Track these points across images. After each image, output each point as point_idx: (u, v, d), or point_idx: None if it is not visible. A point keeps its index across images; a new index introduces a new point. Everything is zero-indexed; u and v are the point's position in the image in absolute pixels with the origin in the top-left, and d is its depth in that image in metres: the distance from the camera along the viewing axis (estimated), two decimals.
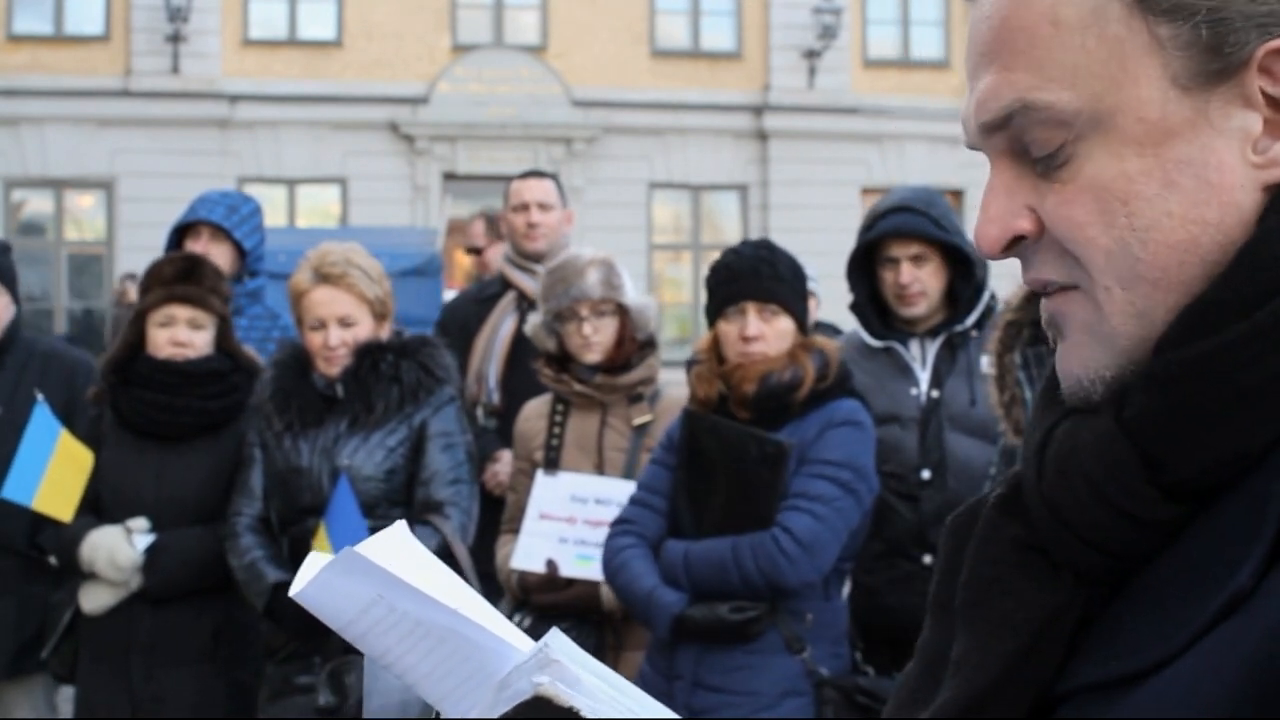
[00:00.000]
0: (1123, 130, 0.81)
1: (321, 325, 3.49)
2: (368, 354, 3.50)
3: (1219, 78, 0.79)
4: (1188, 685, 0.72)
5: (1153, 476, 0.79)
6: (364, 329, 3.51)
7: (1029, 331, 3.02)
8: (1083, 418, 0.84)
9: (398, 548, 1.01)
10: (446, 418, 3.54)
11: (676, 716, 0.92)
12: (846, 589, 3.72)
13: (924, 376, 3.63)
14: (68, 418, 3.74)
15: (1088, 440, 0.83)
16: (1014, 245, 0.87)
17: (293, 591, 0.97)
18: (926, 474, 3.53)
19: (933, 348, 3.65)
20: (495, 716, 0.86)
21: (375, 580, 0.93)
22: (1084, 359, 0.85)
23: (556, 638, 0.88)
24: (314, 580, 0.95)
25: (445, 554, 3.38)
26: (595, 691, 0.86)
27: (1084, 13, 0.81)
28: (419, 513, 3.46)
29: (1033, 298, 2.95)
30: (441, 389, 3.56)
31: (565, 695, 0.84)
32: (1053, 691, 0.82)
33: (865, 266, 3.71)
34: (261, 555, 3.45)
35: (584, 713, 0.84)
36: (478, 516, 3.63)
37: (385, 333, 3.58)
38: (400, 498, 3.48)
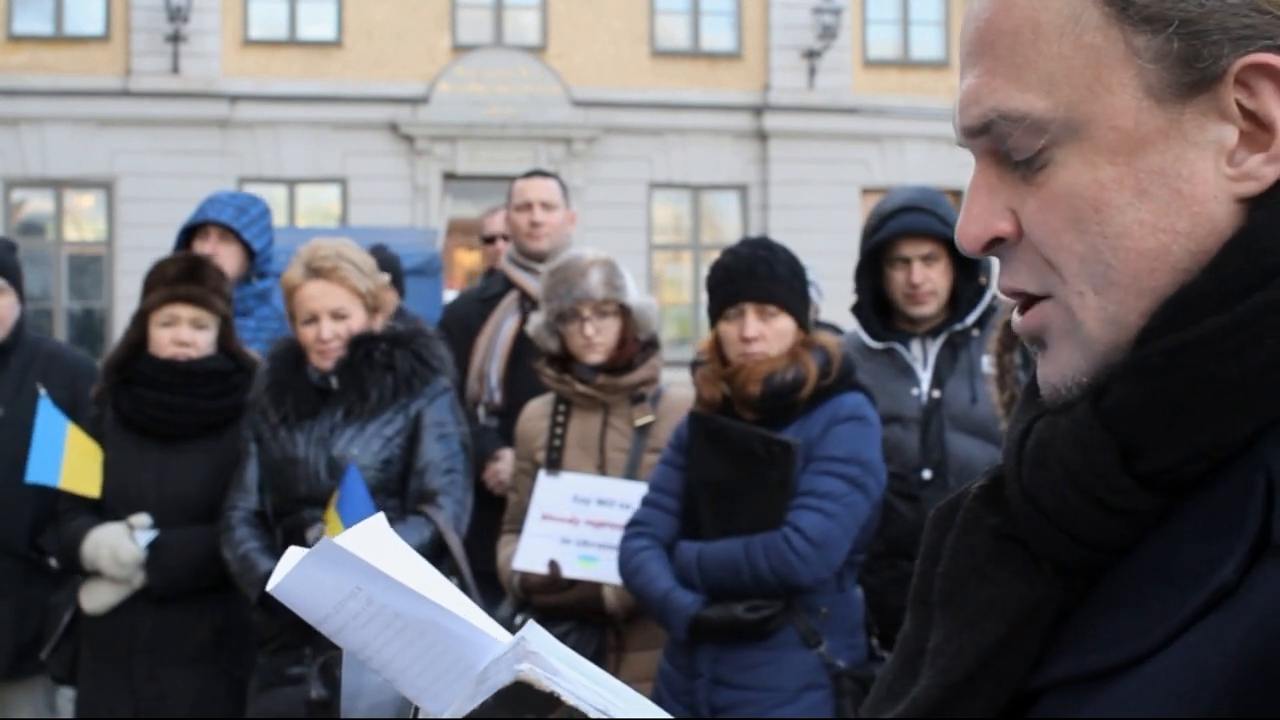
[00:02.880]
0: (1096, 139, 0.82)
1: (314, 319, 3.50)
2: (361, 344, 3.51)
3: (1193, 90, 0.80)
4: (1169, 680, 0.72)
5: (1129, 465, 0.80)
6: (356, 321, 3.52)
7: None
8: (1062, 410, 0.85)
9: (376, 541, 1.00)
10: (441, 408, 3.55)
11: (650, 704, 0.93)
12: None
13: (925, 377, 3.63)
14: (70, 419, 3.74)
15: (1066, 429, 0.83)
16: (994, 245, 0.88)
17: (270, 586, 0.96)
18: (927, 474, 3.53)
19: (934, 348, 3.65)
20: (475, 707, 0.87)
21: (354, 571, 0.93)
22: (1062, 367, 0.86)
23: (533, 630, 0.89)
24: (291, 573, 0.94)
25: (439, 543, 3.40)
26: (574, 679, 0.87)
27: (1062, 20, 0.82)
28: (413, 502, 3.48)
29: None
30: (436, 379, 3.57)
31: (546, 680, 0.85)
32: (1030, 685, 0.82)
33: (869, 268, 3.71)
34: (256, 546, 3.45)
35: (564, 697, 0.85)
36: (472, 507, 3.63)
37: (378, 325, 3.59)
38: (396, 488, 3.50)
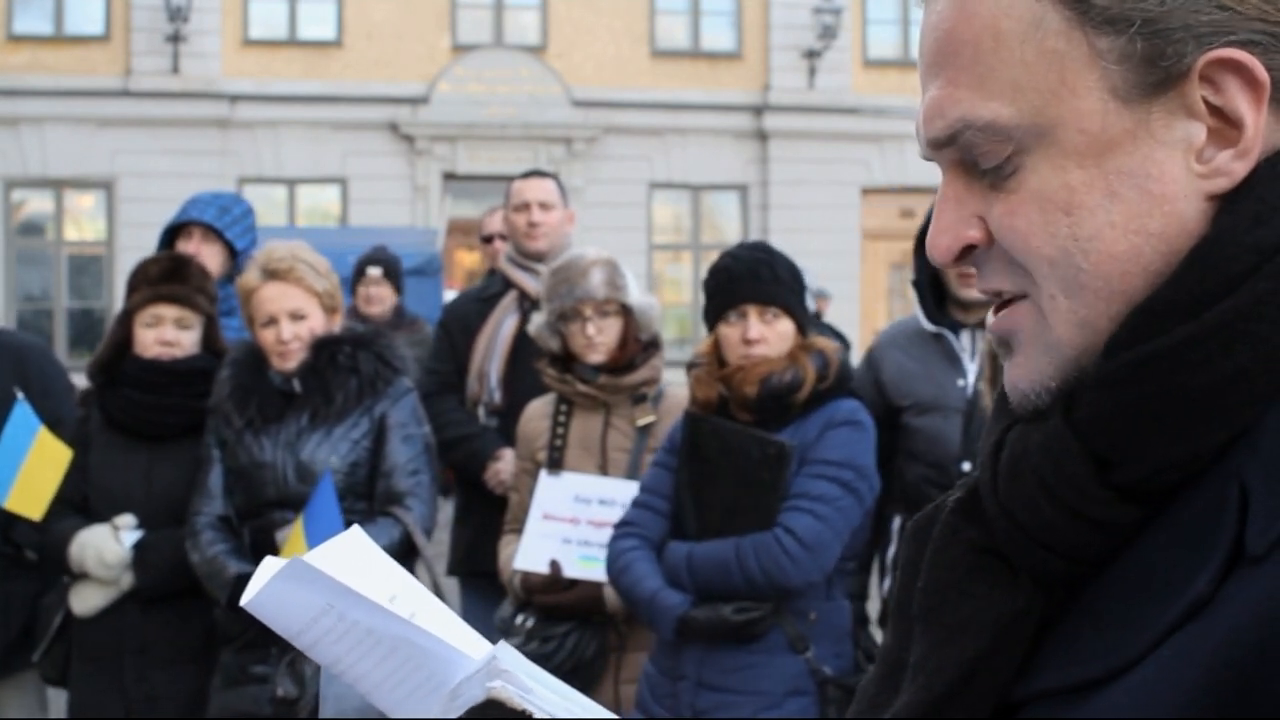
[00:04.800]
0: (1064, 143, 0.81)
1: (273, 321, 3.49)
2: (324, 346, 3.51)
3: (1159, 89, 0.80)
4: (1148, 692, 0.72)
5: (1103, 477, 0.79)
6: (316, 322, 3.53)
7: None
8: (1034, 422, 0.85)
9: (350, 554, 1.01)
10: (404, 409, 3.56)
11: None
12: (882, 583, 3.71)
13: (972, 368, 3.60)
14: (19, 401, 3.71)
15: (1038, 442, 0.83)
16: (966, 254, 0.88)
17: (244, 600, 0.97)
18: (967, 466, 3.51)
19: (983, 339, 3.63)
20: None
21: (325, 590, 0.94)
22: (1030, 372, 0.85)
23: (505, 650, 0.89)
24: (264, 590, 0.95)
25: (408, 544, 3.41)
26: (545, 698, 0.88)
27: (1024, 26, 0.82)
28: (381, 504, 3.49)
29: None
30: (399, 380, 3.58)
31: (518, 698, 0.86)
32: (1012, 696, 0.82)
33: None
34: (223, 549, 3.45)
35: (536, 715, 0.86)
36: (437, 509, 3.65)
37: (336, 326, 3.59)
38: (363, 490, 3.50)
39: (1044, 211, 0.82)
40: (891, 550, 3.73)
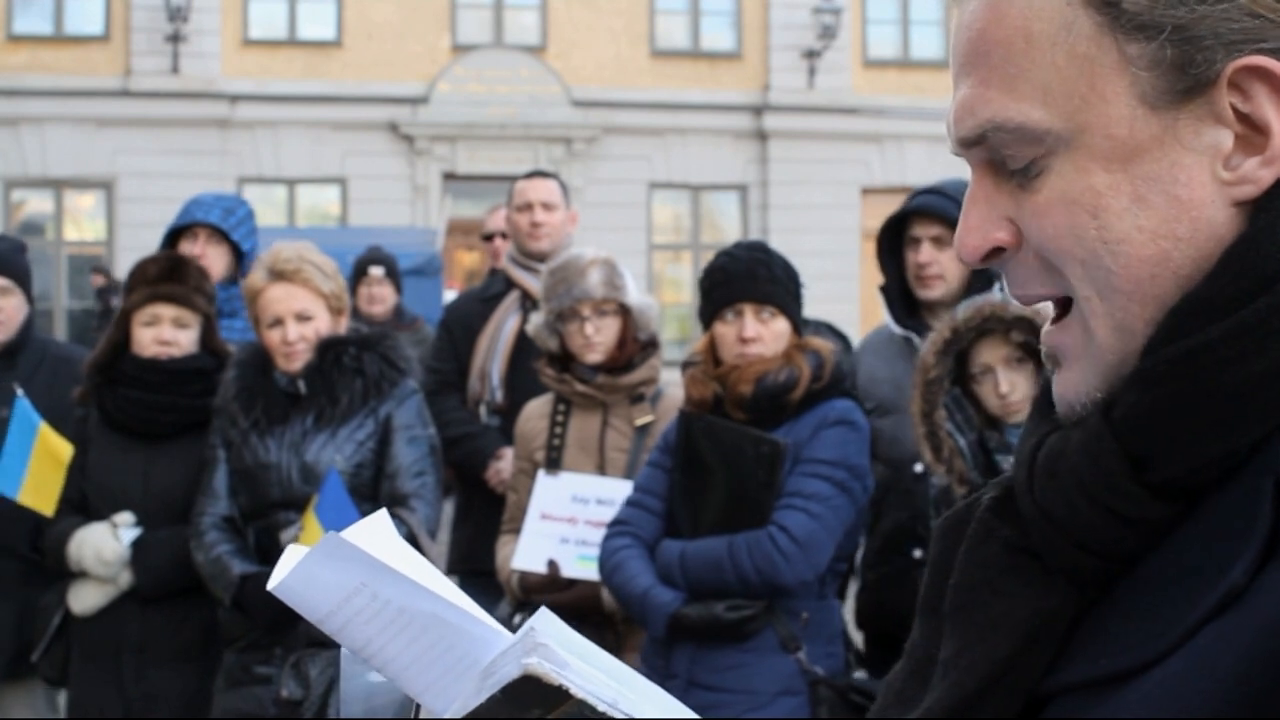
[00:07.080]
0: (1092, 147, 0.82)
1: (279, 322, 3.50)
2: (330, 348, 3.51)
3: (1188, 95, 0.80)
4: (1181, 681, 0.72)
5: (1139, 475, 0.80)
6: (322, 323, 3.53)
7: (949, 381, 2.99)
8: (1076, 424, 0.86)
9: (379, 536, 1.00)
10: (410, 410, 3.56)
11: (664, 694, 0.92)
12: (854, 588, 3.71)
13: None
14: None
15: (1076, 441, 0.84)
16: (994, 255, 0.89)
17: (271, 585, 0.95)
18: (919, 468, 3.53)
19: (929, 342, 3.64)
20: (481, 702, 0.85)
21: (360, 566, 0.92)
22: (1077, 384, 0.86)
23: (543, 619, 0.86)
24: (295, 570, 0.93)
25: (412, 546, 3.40)
26: (584, 671, 0.85)
27: (1055, 29, 0.82)
28: (385, 506, 3.47)
29: (947, 349, 2.93)
30: (404, 381, 3.58)
31: (554, 673, 0.83)
32: (1042, 689, 0.82)
33: (896, 250, 3.69)
34: (228, 549, 3.45)
35: (574, 691, 0.83)
36: (441, 510, 3.65)
37: (342, 328, 3.59)
38: (368, 492, 3.50)
39: (1071, 214, 0.83)
40: (859, 553, 3.72)
